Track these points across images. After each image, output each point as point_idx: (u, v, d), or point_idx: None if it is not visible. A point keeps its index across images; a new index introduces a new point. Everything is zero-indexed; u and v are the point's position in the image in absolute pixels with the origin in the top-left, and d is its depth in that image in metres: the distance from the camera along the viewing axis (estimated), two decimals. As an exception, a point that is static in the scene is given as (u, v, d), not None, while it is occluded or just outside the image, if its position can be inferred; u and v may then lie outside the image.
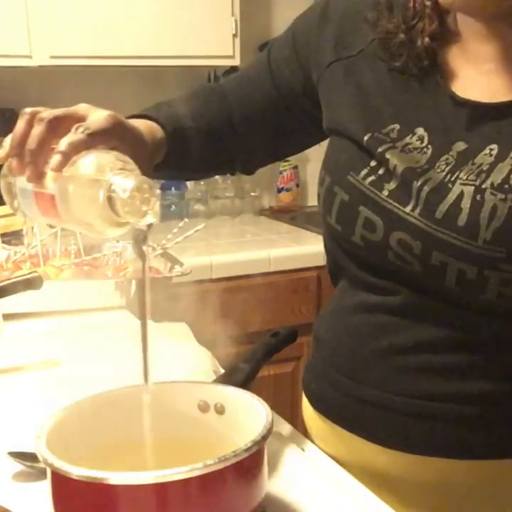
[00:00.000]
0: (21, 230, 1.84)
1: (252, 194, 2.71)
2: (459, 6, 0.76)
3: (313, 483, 0.80)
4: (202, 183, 2.61)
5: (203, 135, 0.95)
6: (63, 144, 0.67)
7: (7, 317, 1.32)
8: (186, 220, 1.73)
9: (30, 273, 1.20)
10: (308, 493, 0.78)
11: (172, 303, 1.90)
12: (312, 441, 0.93)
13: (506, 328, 0.81)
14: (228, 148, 0.99)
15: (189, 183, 2.61)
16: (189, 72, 2.59)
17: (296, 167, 2.73)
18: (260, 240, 2.32)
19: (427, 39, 0.81)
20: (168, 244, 1.64)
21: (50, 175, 0.68)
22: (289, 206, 2.74)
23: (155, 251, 1.65)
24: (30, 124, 0.69)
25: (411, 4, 0.82)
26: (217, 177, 2.62)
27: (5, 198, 0.74)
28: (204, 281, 2.02)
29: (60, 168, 0.66)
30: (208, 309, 2.07)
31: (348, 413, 0.92)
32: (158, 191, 0.65)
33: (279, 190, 2.75)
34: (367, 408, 0.89)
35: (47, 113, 0.70)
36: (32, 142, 0.68)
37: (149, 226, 0.65)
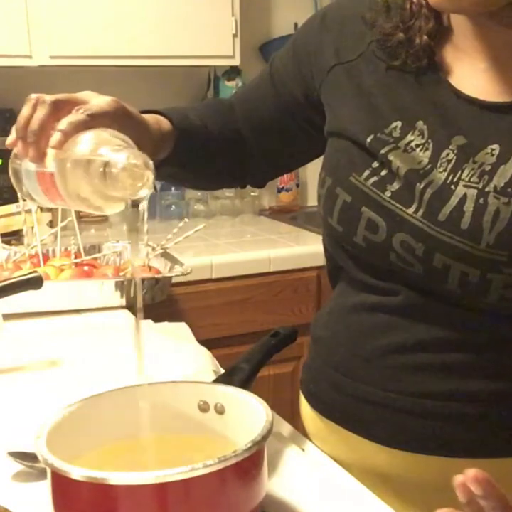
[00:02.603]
0: (21, 230, 1.85)
1: (252, 194, 2.71)
2: (445, 7, 0.77)
3: (313, 483, 0.80)
4: (202, 183, 2.61)
5: (211, 140, 0.96)
6: (63, 123, 0.69)
7: (7, 317, 1.32)
8: (186, 220, 1.73)
9: (30, 273, 1.20)
10: (308, 493, 0.78)
11: (172, 303, 1.90)
12: (311, 441, 0.93)
13: (507, 329, 0.81)
14: (237, 159, 1.01)
15: (189, 183, 2.61)
16: (189, 72, 2.59)
17: (296, 167, 2.73)
18: (260, 239, 2.31)
19: (425, 37, 0.82)
20: (168, 244, 1.64)
21: (50, 153, 0.70)
22: (289, 206, 2.74)
23: (155, 251, 1.65)
24: (34, 109, 0.72)
25: (408, 5, 0.83)
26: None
27: (13, 182, 0.77)
28: (204, 281, 2.02)
29: (59, 145, 0.68)
30: (208, 309, 2.08)
31: (347, 412, 0.92)
32: (151, 164, 0.66)
33: (279, 190, 2.75)
34: (366, 407, 0.89)
35: (50, 96, 0.72)
36: (34, 123, 0.71)
37: (143, 199, 0.66)
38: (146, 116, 0.84)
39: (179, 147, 0.89)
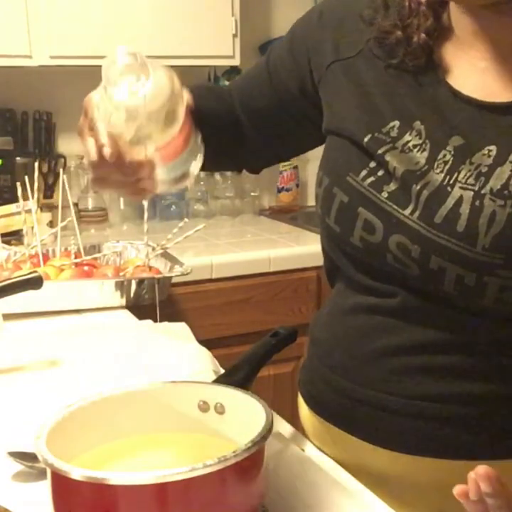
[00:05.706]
0: (21, 230, 1.85)
1: (252, 194, 2.71)
2: None
3: (313, 483, 0.80)
4: (202, 183, 2.60)
5: (205, 123, 0.94)
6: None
7: (7, 317, 1.32)
8: (186, 220, 1.73)
9: (30, 273, 1.20)
10: (308, 493, 0.78)
11: (172, 303, 1.90)
12: (310, 442, 0.93)
13: (503, 330, 0.81)
14: (233, 143, 1.00)
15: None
16: (189, 72, 2.59)
17: (296, 167, 2.72)
18: (260, 239, 2.31)
19: (423, 35, 0.82)
20: (168, 244, 1.64)
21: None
22: (289, 206, 2.74)
23: (155, 251, 1.65)
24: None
25: (406, 2, 0.82)
26: (217, 177, 2.62)
27: None
28: (204, 281, 2.02)
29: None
30: (208, 309, 2.08)
31: (344, 414, 0.91)
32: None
33: (279, 190, 2.75)
34: (363, 409, 0.88)
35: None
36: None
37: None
38: None
39: None
